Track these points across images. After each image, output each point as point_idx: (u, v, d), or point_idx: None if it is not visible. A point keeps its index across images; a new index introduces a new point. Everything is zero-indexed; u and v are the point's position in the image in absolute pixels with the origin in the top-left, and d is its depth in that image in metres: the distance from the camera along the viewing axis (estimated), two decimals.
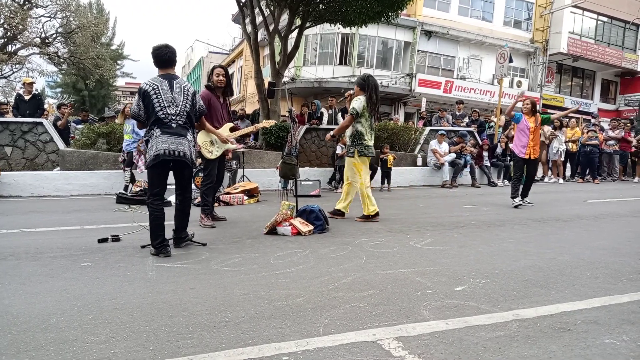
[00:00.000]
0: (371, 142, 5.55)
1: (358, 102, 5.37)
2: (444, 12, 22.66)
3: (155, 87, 3.81)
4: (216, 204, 7.30)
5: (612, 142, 13.07)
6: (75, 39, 20.62)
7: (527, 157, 7.01)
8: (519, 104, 7.26)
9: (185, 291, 2.87)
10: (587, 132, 12.69)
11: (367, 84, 5.42)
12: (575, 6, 23.76)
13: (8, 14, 18.06)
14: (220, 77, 5.30)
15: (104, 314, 2.47)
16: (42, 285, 2.98)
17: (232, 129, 5.54)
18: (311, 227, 4.81)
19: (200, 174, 8.03)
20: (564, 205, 7.37)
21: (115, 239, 4.39)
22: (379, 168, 10.09)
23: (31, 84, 10.02)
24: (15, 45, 20.18)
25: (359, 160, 5.51)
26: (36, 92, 10.40)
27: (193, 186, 7.93)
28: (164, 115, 3.81)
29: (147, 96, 3.79)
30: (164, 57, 3.90)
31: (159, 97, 3.80)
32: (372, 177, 9.93)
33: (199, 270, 3.39)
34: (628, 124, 13.82)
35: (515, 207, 6.93)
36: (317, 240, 4.46)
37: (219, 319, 2.40)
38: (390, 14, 11.19)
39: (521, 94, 6.93)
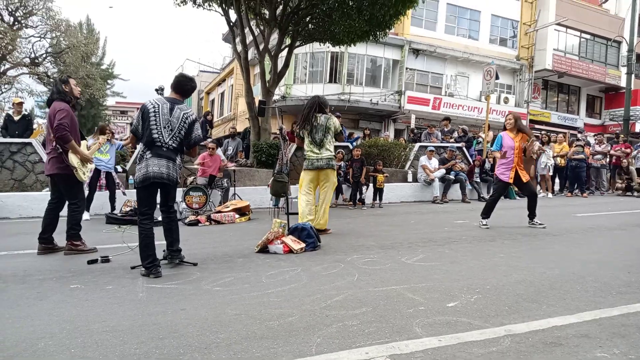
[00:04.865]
0: (314, 155, 5.81)
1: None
2: (431, 30, 23.07)
3: (157, 107, 3.94)
4: (207, 223, 7.27)
5: (599, 156, 13.28)
6: (65, 58, 20.62)
7: (511, 181, 6.38)
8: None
9: (175, 312, 2.84)
10: (573, 147, 12.89)
11: (304, 107, 5.92)
12: (559, 24, 24.35)
13: None
14: (79, 88, 5.02)
15: (94, 337, 2.43)
16: (30, 309, 2.93)
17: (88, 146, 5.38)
18: (303, 245, 4.80)
19: (191, 193, 8.04)
20: (553, 219, 7.42)
21: (105, 260, 4.34)
22: (371, 185, 10.13)
23: (20, 104, 9.97)
24: (4, 65, 20.12)
25: (303, 173, 5.91)
26: (26, 113, 10.35)
27: (184, 205, 7.90)
28: (157, 136, 3.90)
29: (147, 114, 3.91)
30: (183, 85, 4.17)
31: (157, 117, 3.91)
32: (361, 192, 9.99)
33: (190, 290, 3.36)
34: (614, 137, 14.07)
35: (484, 226, 6.41)
36: (309, 258, 4.46)
37: (210, 340, 2.37)
38: (378, 33, 11.38)
39: (532, 144, 6.67)
